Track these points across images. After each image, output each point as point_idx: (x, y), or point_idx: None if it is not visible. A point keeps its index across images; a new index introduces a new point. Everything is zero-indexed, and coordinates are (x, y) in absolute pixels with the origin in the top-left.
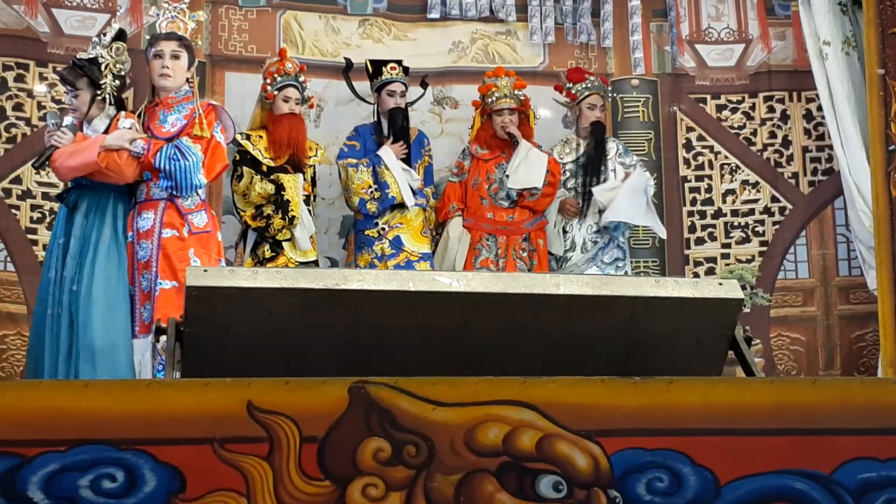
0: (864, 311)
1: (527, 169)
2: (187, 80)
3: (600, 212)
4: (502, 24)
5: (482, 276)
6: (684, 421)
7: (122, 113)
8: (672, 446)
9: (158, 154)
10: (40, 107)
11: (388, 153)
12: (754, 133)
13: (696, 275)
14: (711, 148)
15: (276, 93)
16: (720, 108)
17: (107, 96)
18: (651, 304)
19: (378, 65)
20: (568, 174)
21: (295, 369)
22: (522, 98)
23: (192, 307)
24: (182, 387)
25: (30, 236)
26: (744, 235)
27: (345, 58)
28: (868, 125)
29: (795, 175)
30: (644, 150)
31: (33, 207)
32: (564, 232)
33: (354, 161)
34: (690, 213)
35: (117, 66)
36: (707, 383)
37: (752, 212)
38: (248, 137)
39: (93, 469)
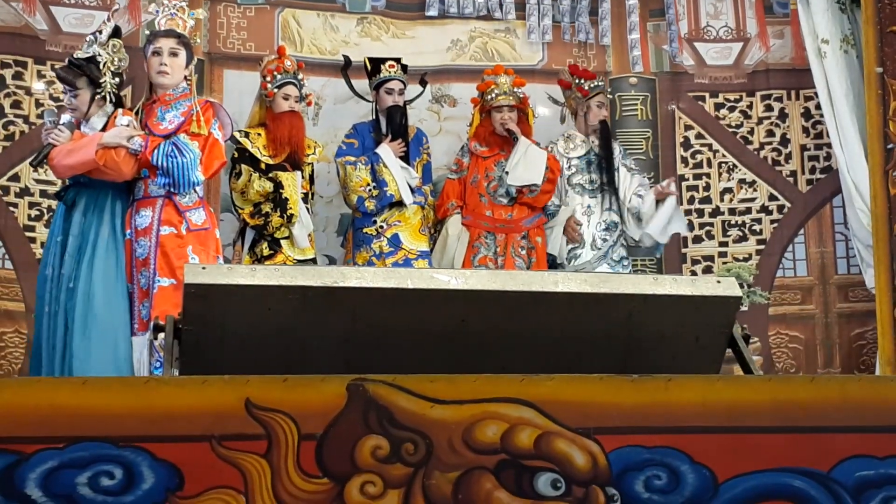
0: (864, 310)
1: (526, 166)
2: (185, 77)
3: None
4: (501, 22)
5: (480, 274)
6: (682, 419)
7: (120, 110)
8: (670, 444)
9: (156, 151)
10: (38, 104)
11: (387, 151)
12: (752, 132)
13: (694, 273)
14: (710, 146)
15: (275, 90)
16: (718, 107)
17: (107, 94)
18: (649, 301)
19: (377, 62)
20: (574, 170)
21: (293, 367)
22: (521, 96)
23: (191, 304)
24: (180, 384)
25: (28, 234)
26: (741, 234)
27: (343, 55)
28: (866, 123)
29: (794, 173)
30: (642, 148)
31: (31, 205)
32: (577, 223)
33: (353, 159)
34: (688, 212)
35: (115, 63)
36: (705, 381)
37: (749, 210)
38: (246, 135)
39: (91, 466)
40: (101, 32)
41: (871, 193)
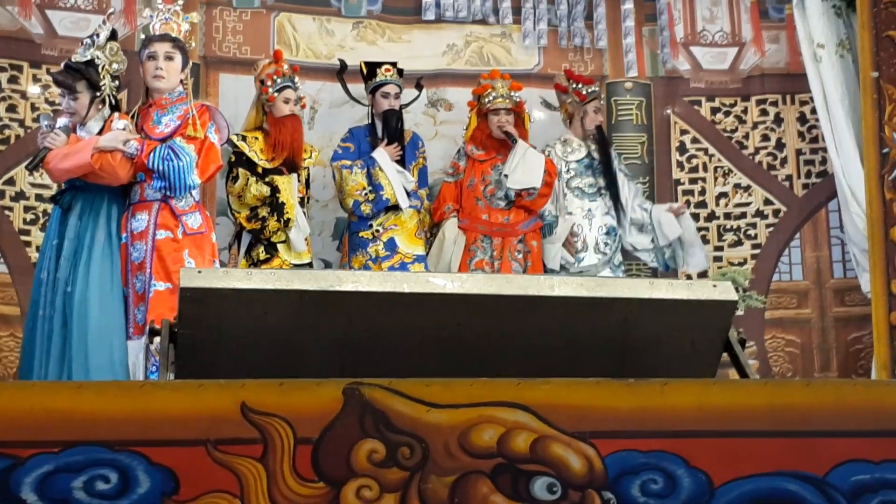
0: (861, 314)
1: (525, 169)
2: (181, 81)
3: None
4: (497, 27)
5: (476, 278)
6: (678, 423)
7: (116, 114)
8: (666, 448)
9: (152, 154)
10: (34, 108)
11: (383, 155)
12: (747, 136)
13: (689, 277)
14: (705, 150)
15: (276, 95)
16: (714, 111)
17: (106, 98)
18: (645, 305)
19: (372, 66)
20: (573, 173)
21: (289, 370)
22: (518, 100)
23: (186, 308)
24: (176, 388)
25: (23, 237)
26: (736, 238)
27: (339, 59)
28: (862, 128)
29: (789, 177)
30: (637, 153)
31: (27, 209)
32: (573, 235)
33: (349, 163)
34: None
35: (113, 66)
36: (701, 385)
37: (744, 215)
38: (243, 139)
39: (86, 470)
40: (98, 36)
41: (866, 198)
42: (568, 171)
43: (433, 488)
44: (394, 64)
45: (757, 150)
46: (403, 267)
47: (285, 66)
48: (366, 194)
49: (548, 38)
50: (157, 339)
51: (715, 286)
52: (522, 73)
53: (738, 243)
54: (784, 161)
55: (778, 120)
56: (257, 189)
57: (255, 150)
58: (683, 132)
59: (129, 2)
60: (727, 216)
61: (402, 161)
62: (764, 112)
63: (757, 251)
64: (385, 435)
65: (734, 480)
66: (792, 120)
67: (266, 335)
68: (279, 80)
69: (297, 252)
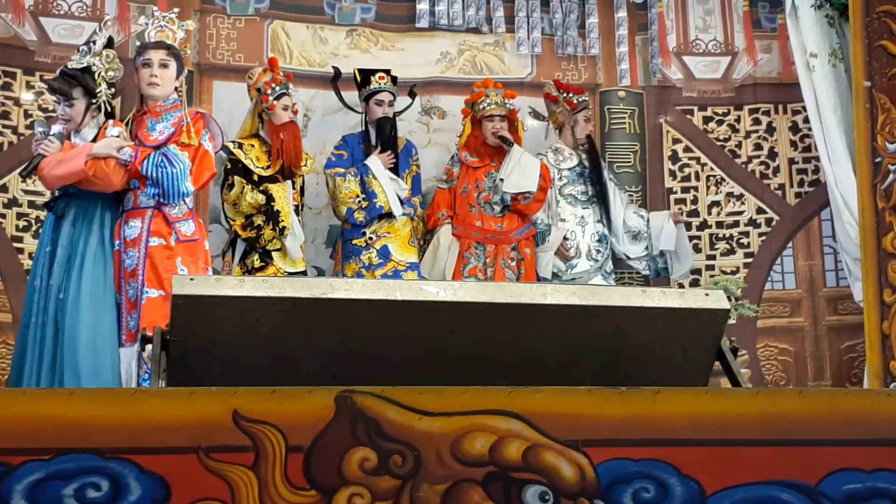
0: (854, 322)
1: (521, 173)
2: (176, 88)
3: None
4: (490, 35)
5: (469, 286)
6: (671, 431)
7: (110, 121)
8: (658, 456)
9: (146, 161)
10: (27, 115)
11: (376, 162)
12: (740, 145)
13: (681, 286)
14: (698, 160)
15: (275, 102)
16: (706, 120)
17: (102, 105)
18: (638, 314)
19: (366, 74)
20: (566, 180)
21: (281, 378)
22: (511, 108)
23: (178, 316)
24: (167, 395)
25: (16, 244)
26: (729, 247)
27: (333, 66)
28: (854, 137)
29: (782, 186)
30: (630, 161)
31: (19, 216)
32: (565, 239)
33: (342, 170)
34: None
35: (110, 73)
36: (693, 393)
37: (737, 223)
38: (239, 146)
39: (77, 478)
40: (94, 43)
41: (859, 207)
42: (561, 178)
43: (425, 496)
44: (388, 71)
45: (750, 159)
46: (397, 275)
47: (281, 74)
48: (359, 202)
49: (541, 47)
50: (149, 347)
51: (707, 295)
52: (515, 81)
53: (731, 252)
54: (777, 170)
55: (770, 129)
56: (252, 197)
57: (252, 157)
58: (676, 141)
59: (123, 9)
60: (719, 225)
61: (395, 169)
62: (756, 121)
63: (750, 260)
64: (377, 443)
65: (726, 489)
66: (784, 129)
67: (258, 343)
68: (277, 88)
69: (292, 260)
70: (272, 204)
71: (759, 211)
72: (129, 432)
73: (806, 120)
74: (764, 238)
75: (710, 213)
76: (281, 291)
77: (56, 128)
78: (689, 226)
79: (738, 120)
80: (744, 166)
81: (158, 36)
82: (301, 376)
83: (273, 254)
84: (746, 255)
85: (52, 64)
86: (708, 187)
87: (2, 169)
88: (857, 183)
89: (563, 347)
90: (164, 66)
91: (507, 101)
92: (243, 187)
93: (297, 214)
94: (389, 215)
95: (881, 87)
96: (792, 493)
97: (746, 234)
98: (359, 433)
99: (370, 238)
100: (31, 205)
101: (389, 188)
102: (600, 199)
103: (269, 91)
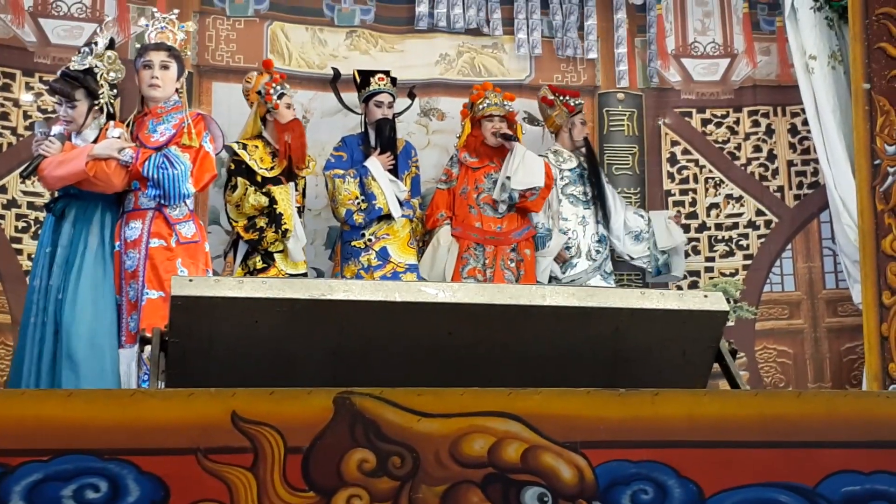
0: (854, 324)
1: (527, 170)
2: (177, 90)
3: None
4: (489, 38)
5: (468, 287)
6: (669, 433)
7: (111, 122)
8: (657, 458)
9: (147, 163)
10: (26, 116)
11: (376, 164)
12: (739, 147)
13: (680, 288)
14: (696, 162)
15: (279, 101)
16: (705, 122)
17: (104, 106)
18: (636, 315)
19: (366, 75)
20: (567, 181)
21: (280, 379)
22: (510, 109)
23: (177, 317)
24: (166, 397)
25: (15, 245)
26: (727, 249)
27: (332, 68)
28: (853, 139)
29: (781, 189)
30: (628, 163)
31: (18, 217)
32: (567, 248)
33: (341, 172)
34: None
35: (111, 75)
36: (692, 395)
37: (735, 226)
38: (244, 147)
39: (76, 479)
40: (96, 44)
41: (858, 209)
42: (562, 178)
43: (424, 498)
44: (387, 73)
45: (749, 161)
46: (395, 276)
47: (278, 74)
48: (358, 203)
49: (541, 48)
50: (148, 348)
51: (706, 296)
52: (514, 83)
53: (730, 254)
54: (776, 172)
55: (769, 131)
56: (255, 199)
57: (256, 158)
58: (675, 143)
59: (123, 10)
60: (718, 227)
61: (394, 170)
62: (756, 123)
63: (749, 262)
64: (376, 444)
65: (725, 491)
66: (783, 131)
67: (257, 344)
68: (278, 88)
69: (294, 262)
70: (275, 206)
71: (759, 213)
72: (128, 433)
73: (805, 122)
74: (763, 240)
75: (708, 216)
76: (280, 293)
77: (56, 129)
78: (687, 228)
79: (737, 122)
80: (743, 168)
81: (159, 37)
82: (300, 377)
83: (275, 255)
84: (745, 257)
85: (51, 65)
86: (707, 189)
87: (1, 170)
88: (856, 185)
89: (561, 349)
90: (165, 67)
91: (505, 102)
92: (247, 189)
93: (300, 216)
94: (388, 217)
95: (880, 89)
96: (790, 495)
97: (745, 236)
98: (357, 434)
99: (369, 240)
100: (31, 206)
101: (388, 190)
102: (599, 200)
103: (271, 91)
